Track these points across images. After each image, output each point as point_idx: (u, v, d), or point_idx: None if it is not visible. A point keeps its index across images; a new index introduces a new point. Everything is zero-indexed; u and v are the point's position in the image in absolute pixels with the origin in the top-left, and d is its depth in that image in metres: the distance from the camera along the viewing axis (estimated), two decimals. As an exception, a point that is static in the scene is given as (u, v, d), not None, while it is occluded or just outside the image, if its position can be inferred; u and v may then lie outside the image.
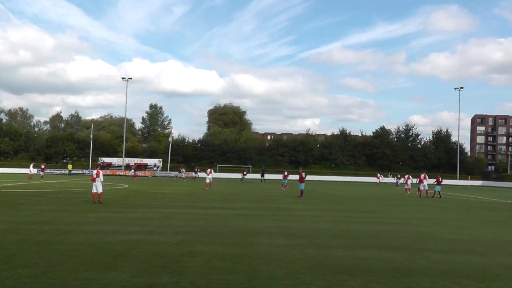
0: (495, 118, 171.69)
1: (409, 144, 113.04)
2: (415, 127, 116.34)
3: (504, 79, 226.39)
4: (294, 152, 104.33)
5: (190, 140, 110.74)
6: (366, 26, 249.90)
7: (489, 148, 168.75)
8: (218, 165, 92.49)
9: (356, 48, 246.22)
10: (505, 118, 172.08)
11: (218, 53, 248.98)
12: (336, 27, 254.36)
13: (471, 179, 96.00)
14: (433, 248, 12.43)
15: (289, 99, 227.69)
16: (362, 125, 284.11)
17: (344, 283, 8.40)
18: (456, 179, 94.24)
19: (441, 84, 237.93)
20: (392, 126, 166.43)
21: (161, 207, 21.90)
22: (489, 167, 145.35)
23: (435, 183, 39.76)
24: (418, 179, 40.25)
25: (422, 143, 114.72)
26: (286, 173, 44.84)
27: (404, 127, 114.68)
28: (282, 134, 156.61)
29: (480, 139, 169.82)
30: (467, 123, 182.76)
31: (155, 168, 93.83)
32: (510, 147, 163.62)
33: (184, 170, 70.18)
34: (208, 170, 42.91)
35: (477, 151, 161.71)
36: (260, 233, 14.13)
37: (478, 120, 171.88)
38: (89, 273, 8.52)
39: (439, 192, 39.39)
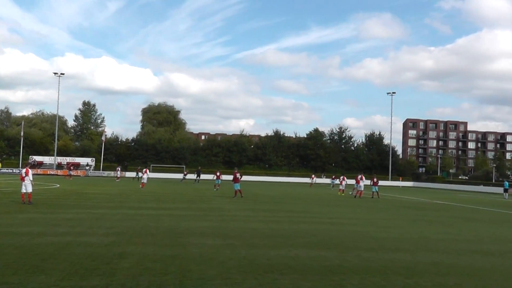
0: (426, 122, 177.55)
1: (343, 146, 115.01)
2: (348, 129, 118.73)
3: (434, 85, 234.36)
4: (228, 153, 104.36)
5: (124, 139, 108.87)
6: (300, 30, 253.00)
7: (420, 151, 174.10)
8: (151, 165, 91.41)
9: (290, 51, 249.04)
10: (436, 123, 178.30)
11: (153, 51, 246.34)
12: (271, 29, 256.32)
13: (402, 180, 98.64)
14: (364, 247, 12.78)
15: (224, 99, 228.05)
16: (296, 126, 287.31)
17: (275, 282, 8.51)
18: (388, 180, 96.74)
19: (374, 89, 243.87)
20: (325, 128, 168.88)
21: (92, 208, 21.51)
22: (420, 169, 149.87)
23: (371, 184, 41.02)
24: (355, 180, 41.34)
25: (355, 145, 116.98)
26: (218, 174, 44.98)
27: (338, 130, 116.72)
28: (216, 134, 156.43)
29: (412, 142, 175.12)
30: (399, 127, 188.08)
31: (87, 168, 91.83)
32: (440, 150, 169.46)
33: (119, 169, 69.12)
34: (144, 170, 42.98)
35: (408, 153, 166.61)
36: (192, 233, 14.13)
37: (410, 124, 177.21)
38: (16, 277, 8.27)
39: (377, 192, 40.64)
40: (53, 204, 22.96)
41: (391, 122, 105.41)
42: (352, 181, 49.10)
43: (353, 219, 20.86)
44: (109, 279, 8.33)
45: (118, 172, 67.48)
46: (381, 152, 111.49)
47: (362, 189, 39.97)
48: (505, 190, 57.47)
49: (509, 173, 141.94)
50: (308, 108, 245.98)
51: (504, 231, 18.70)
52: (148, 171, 43.54)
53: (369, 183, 42.78)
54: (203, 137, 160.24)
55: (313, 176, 73.36)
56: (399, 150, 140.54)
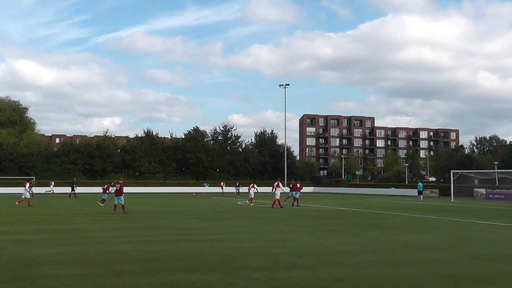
0: (326, 118, 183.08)
1: (228, 147, 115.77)
2: (235, 128, 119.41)
3: (335, 76, 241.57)
4: (89, 159, 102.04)
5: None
6: (175, 9, 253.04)
7: (321, 151, 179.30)
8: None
9: (163, 34, 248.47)
10: (338, 119, 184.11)
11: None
12: (139, 8, 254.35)
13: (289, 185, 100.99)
14: (254, 265, 12.94)
15: (83, 93, 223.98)
16: (172, 125, 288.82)
17: (147, 314, 8.44)
18: (283, 185, 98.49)
19: (264, 80, 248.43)
20: (208, 127, 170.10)
21: None
22: (321, 172, 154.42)
23: (294, 190, 42.89)
24: (272, 187, 42.60)
25: (244, 146, 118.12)
26: (105, 186, 44.33)
27: (222, 128, 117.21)
28: (74, 136, 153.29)
29: (310, 141, 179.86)
30: (295, 124, 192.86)
31: None
32: (344, 150, 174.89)
33: None
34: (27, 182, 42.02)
35: (307, 154, 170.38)
36: (44, 262, 13.64)
37: (307, 121, 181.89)
38: None
39: (294, 198, 42.61)
40: None
41: (285, 119, 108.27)
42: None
43: (241, 233, 21.14)
44: None
45: None
46: (274, 153, 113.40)
47: (279, 197, 40.78)
48: (419, 192, 60.51)
49: (423, 173, 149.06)
50: (186, 103, 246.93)
51: (416, 238, 19.68)
52: (31, 184, 42.26)
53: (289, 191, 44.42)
54: (57, 140, 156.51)
55: (222, 184, 74.42)
56: (295, 150, 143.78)
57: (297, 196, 42.90)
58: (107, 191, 43.38)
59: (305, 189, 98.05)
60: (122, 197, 32.98)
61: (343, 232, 21.80)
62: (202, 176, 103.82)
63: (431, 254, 15.36)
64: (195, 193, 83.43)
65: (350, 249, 16.14)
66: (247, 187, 52.51)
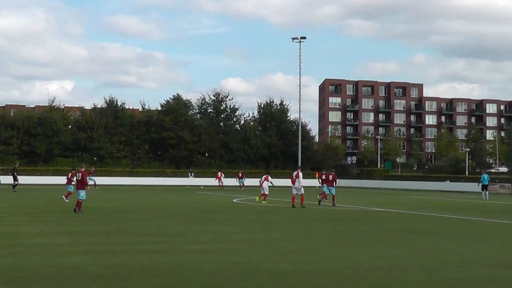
0: (356, 85, 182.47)
1: (221, 124, 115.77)
2: (230, 97, 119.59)
3: (369, 27, 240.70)
4: (28, 138, 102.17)
5: None
6: None
7: (348, 129, 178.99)
8: None
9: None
10: (372, 86, 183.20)
11: None
12: None
13: (320, 177, 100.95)
14: (255, 287, 12.89)
15: (22, 47, 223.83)
16: (145, 92, 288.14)
17: None
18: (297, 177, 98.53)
19: (272, 32, 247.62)
20: (194, 95, 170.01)
21: None
22: (349, 158, 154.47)
23: (321, 182, 42.42)
24: (292, 179, 42.07)
25: (243, 122, 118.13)
26: (70, 176, 44.36)
27: (214, 97, 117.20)
28: (7, 106, 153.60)
29: (334, 116, 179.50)
30: (313, 92, 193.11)
31: None
32: (380, 128, 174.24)
33: None
34: None
35: (329, 134, 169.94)
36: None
37: (330, 88, 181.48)
38: None
39: (330, 195, 42.43)
40: None
41: (299, 85, 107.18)
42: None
43: (238, 242, 21.15)
44: None
45: None
46: (284, 132, 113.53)
47: (303, 192, 40.55)
48: (484, 187, 59.70)
49: (491, 161, 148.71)
50: (165, 62, 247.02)
51: (480, 249, 19.71)
52: None
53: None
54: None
55: (219, 174, 74.53)
56: (314, 129, 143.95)
57: (333, 192, 42.39)
58: (73, 182, 43.39)
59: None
60: (84, 191, 32.84)
61: (378, 241, 21.78)
62: (185, 163, 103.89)
63: (501, 271, 15.34)
64: (202, 186, 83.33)
65: (388, 265, 16.09)
66: (253, 179, 52.47)
